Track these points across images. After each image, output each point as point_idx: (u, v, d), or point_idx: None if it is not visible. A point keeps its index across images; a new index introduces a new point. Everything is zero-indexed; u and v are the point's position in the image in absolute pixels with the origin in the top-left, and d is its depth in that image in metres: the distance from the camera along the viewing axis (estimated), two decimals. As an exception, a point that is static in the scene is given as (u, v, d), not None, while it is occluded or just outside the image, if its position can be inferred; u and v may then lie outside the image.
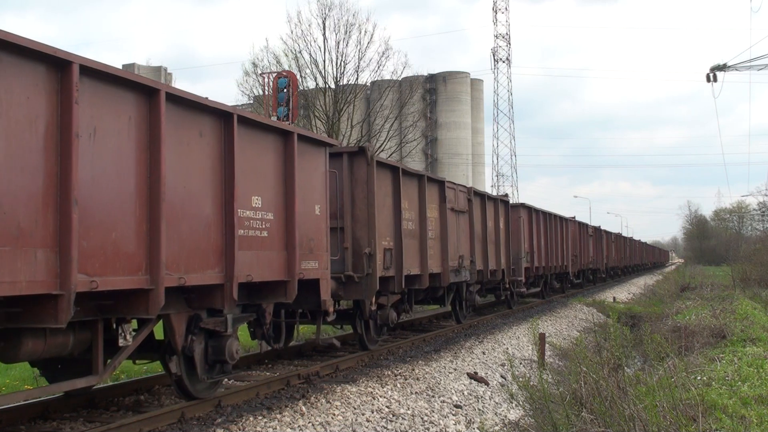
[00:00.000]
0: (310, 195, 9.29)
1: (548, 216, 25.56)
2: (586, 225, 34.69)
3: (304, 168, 9.09)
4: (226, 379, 10.15)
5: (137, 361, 8.30)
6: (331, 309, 9.68)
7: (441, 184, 14.37)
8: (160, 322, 7.38)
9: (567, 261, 28.33)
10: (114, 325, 6.91)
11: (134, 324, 7.26)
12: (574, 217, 31.26)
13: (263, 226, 8.24)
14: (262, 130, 8.35)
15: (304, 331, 14.97)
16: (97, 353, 6.57)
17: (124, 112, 6.31)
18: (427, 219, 13.34)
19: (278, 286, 8.65)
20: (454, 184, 15.57)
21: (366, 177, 11.09)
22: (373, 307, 11.33)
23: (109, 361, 6.84)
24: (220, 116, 7.58)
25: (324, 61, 29.41)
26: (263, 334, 8.97)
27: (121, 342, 6.78)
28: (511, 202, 21.00)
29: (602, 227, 40.53)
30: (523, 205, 22.64)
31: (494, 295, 21.38)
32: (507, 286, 19.90)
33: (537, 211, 23.89)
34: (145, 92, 6.53)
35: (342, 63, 29.48)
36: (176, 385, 7.90)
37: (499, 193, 19.92)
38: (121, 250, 6.18)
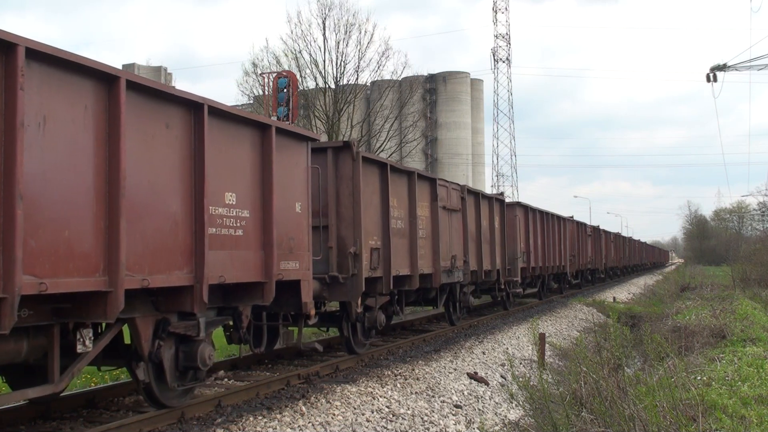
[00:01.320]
0: (290, 192, 8.83)
1: (545, 215, 25.08)
2: (585, 224, 34.22)
3: (283, 163, 8.63)
4: (226, 380, 10.09)
5: (102, 368, 7.83)
6: (312, 312, 9.21)
7: (432, 181, 13.90)
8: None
9: (565, 261, 27.87)
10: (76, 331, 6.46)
11: (104, 327, 6.85)
12: (572, 217, 30.79)
13: (238, 224, 7.78)
14: (236, 123, 7.88)
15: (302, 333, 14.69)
16: (52, 360, 6.11)
17: (79, 101, 5.84)
18: (418, 217, 12.87)
19: (255, 288, 8.19)
20: (447, 181, 15.12)
21: (351, 173, 10.62)
22: (359, 309, 10.86)
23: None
24: (190, 107, 7.12)
25: (324, 61, 29.48)
26: (240, 338, 8.51)
27: (79, 348, 6.33)
28: (506, 200, 20.56)
29: (602, 227, 40.09)
30: (519, 204, 22.18)
31: (490, 296, 20.93)
32: (502, 286, 19.44)
33: (534, 210, 23.42)
34: (103, 79, 6.06)
35: (342, 63, 29.55)
36: (144, 392, 7.44)
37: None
38: (76, 250, 5.72)
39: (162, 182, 6.72)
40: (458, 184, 15.96)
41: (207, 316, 7.81)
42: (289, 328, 9.65)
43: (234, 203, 7.73)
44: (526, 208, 22.71)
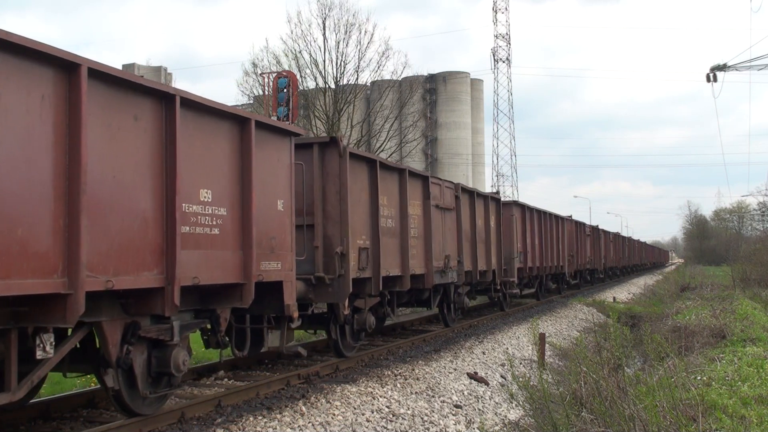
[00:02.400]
0: (271, 189, 8.45)
1: (543, 214, 24.69)
2: (583, 224, 33.82)
3: (264, 159, 8.25)
4: (226, 380, 9.96)
5: (68, 375, 7.44)
6: (295, 314, 8.82)
7: (425, 179, 13.51)
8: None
9: (563, 261, 27.48)
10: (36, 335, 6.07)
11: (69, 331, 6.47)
12: (570, 216, 30.41)
13: (214, 223, 7.40)
14: (213, 116, 7.49)
15: (299, 336, 14.65)
16: (9, 367, 5.73)
17: (35, 90, 5.45)
18: (409, 216, 12.48)
19: (234, 290, 7.80)
20: (440, 179, 14.74)
21: (338, 170, 10.22)
22: (346, 311, 10.47)
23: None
24: (161, 98, 6.73)
25: (324, 61, 29.45)
26: (218, 342, 8.11)
27: (39, 354, 5.93)
28: (503, 199, 20.18)
29: (602, 227, 39.72)
30: (515, 203, 21.82)
31: (488, 297, 20.56)
32: (498, 287, 19.05)
33: (531, 209, 23.03)
34: (63, 67, 5.67)
35: (342, 63, 29.53)
36: (114, 400, 7.04)
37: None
38: (30, 249, 5.33)
39: (129, 178, 6.34)
40: (452, 183, 15.58)
41: (182, 319, 7.44)
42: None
43: (209, 200, 7.35)
44: (523, 207, 22.33)
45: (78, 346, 6.89)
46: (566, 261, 28.13)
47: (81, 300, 5.63)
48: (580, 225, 32.56)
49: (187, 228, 6.98)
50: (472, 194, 16.75)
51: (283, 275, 8.59)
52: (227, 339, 8.34)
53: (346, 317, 10.75)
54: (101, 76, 5.99)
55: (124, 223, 6.27)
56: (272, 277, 8.35)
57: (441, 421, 9.20)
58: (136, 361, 6.97)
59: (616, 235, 46.88)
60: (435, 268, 13.54)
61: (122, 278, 6.18)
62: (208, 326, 8.11)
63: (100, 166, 5.98)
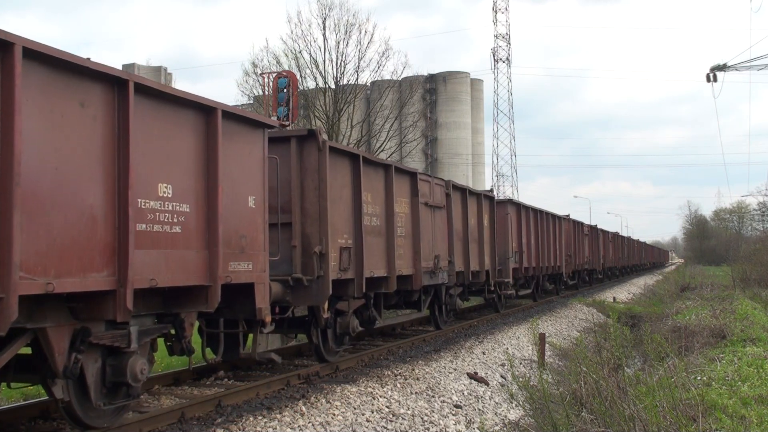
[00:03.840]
0: (241, 184, 7.89)
1: (539, 213, 24.11)
2: (582, 224, 33.24)
3: (233, 152, 7.69)
4: (226, 380, 9.68)
5: (12, 385, 6.87)
6: (268, 318, 8.26)
7: (413, 175, 12.94)
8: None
9: (560, 261, 26.91)
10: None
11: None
12: (568, 216, 29.84)
13: (175, 220, 6.83)
14: (173, 104, 6.93)
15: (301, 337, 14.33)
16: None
17: (-40, 71, 4.92)
18: (396, 214, 11.90)
19: (199, 292, 7.24)
20: (430, 176, 14.18)
21: (317, 165, 9.66)
22: (326, 315, 9.90)
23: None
24: (112, 83, 6.17)
25: (324, 61, 29.17)
26: (182, 349, 7.54)
27: (-29, 364, 5.39)
28: (497, 197, 19.63)
29: (602, 227, 39.17)
30: (510, 201, 21.26)
31: (482, 298, 19.98)
32: (492, 288, 18.47)
33: (526, 207, 22.44)
34: (-6, 47, 5.13)
35: (342, 63, 29.27)
36: (65, 412, 6.48)
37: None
38: (-47, 248, 4.79)
39: (74, 170, 5.77)
40: (442, 180, 15.03)
41: (141, 324, 6.87)
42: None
43: (170, 196, 6.78)
44: (519, 206, 21.75)
45: (30, 352, 6.35)
46: (564, 261, 27.56)
47: (13, 305, 5.08)
48: (578, 224, 32.00)
49: (144, 225, 6.42)
50: (464, 192, 16.17)
51: (255, 277, 8.03)
52: (195, 344, 7.76)
53: (327, 321, 10.19)
54: (40, 57, 5.44)
55: (69, 219, 5.71)
56: (242, 278, 7.79)
57: (441, 421, 9.11)
58: (89, 370, 6.42)
59: (616, 235, 46.32)
60: (424, 268, 12.98)
61: (65, 280, 5.62)
62: (172, 332, 7.55)
63: (38, 156, 5.43)
